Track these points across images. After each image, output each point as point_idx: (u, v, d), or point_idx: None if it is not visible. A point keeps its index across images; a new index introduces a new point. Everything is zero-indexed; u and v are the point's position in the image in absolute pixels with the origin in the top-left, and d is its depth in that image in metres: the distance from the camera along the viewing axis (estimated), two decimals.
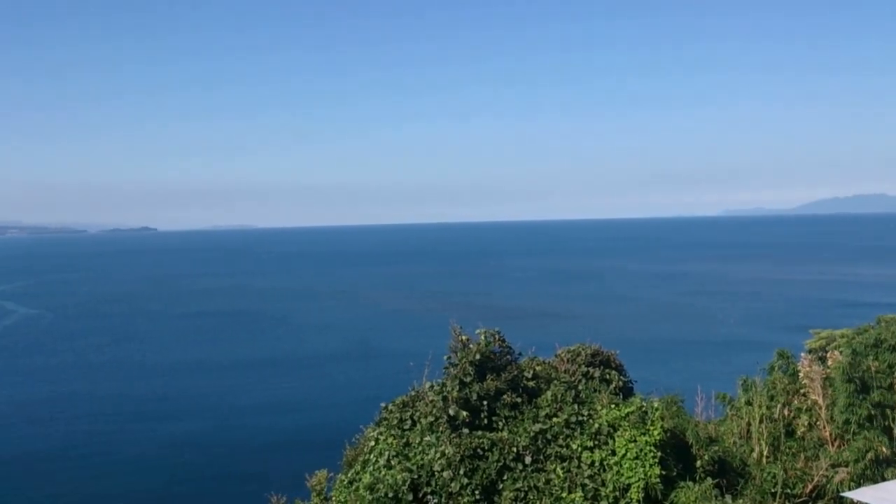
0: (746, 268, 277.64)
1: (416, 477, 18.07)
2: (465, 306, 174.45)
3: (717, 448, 20.08)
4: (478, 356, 19.80)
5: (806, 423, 22.26)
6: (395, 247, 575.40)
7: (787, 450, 21.28)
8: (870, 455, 19.85)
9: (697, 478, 18.76)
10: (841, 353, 23.64)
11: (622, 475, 17.71)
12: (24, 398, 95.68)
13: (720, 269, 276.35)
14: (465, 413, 18.90)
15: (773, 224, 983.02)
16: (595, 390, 20.56)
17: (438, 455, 18.16)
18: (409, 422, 20.22)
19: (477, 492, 17.77)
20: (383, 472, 18.82)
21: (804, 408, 22.52)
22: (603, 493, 17.70)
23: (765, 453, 21.27)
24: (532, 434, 18.51)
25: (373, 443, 20.43)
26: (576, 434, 18.63)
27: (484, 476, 17.87)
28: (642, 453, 17.72)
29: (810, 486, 19.94)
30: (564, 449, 18.42)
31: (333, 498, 20.83)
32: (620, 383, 21.62)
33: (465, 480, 17.78)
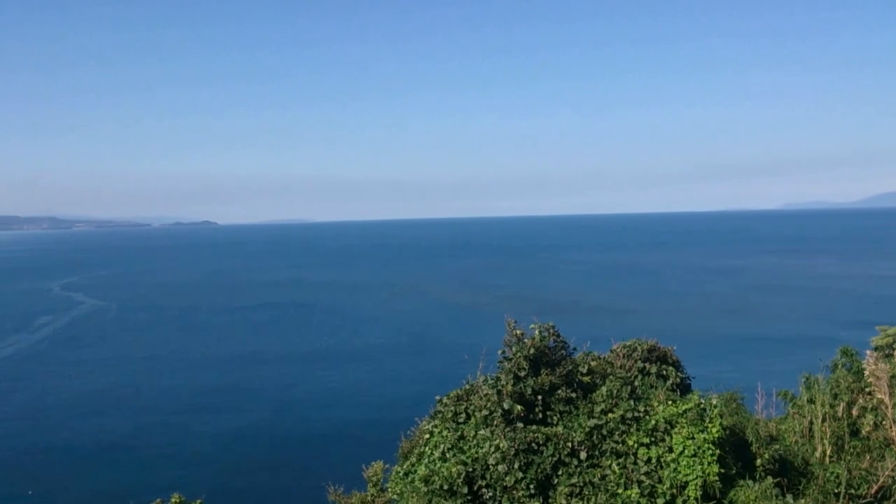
0: (808, 262, 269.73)
1: (470, 470, 18.18)
2: (518, 300, 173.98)
3: (777, 446, 19.65)
4: (532, 350, 19.77)
5: (871, 423, 21.59)
6: (447, 240, 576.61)
7: (852, 449, 20.69)
8: None
9: (757, 476, 18.42)
10: None
11: (679, 472, 17.49)
12: (91, 388, 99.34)
13: (780, 263, 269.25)
14: (519, 407, 18.91)
15: (836, 217, 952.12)
16: (652, 386, 20.31)
17: (493, 449, 18.23)
18: (463, 415, 20.34)
19: (532, 486, 17.78)
20: (438, 465, 18.99)
21: (869, 407, 21.85)
22: (660, 491, 17.51)
23: (828, 453, 20.73)
24: (587, 429, 18.42)
25: (428, 435, 20.62)
26: (632, 430, 18.46)
27: (539, 470, 17.88)
28: (700, 451, 17.47)
29: (875, 487, 19.37)
30: (620, 445, 18.28)
31: (389, 489, 21.12)
32: (678, 379, 21.30)
33: (520, 474, 17.81)
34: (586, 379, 20.35)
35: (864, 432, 21.58)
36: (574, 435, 18.36)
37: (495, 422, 18.95)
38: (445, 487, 17.88)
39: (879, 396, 21.63)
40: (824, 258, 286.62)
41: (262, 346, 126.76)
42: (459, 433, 19.74)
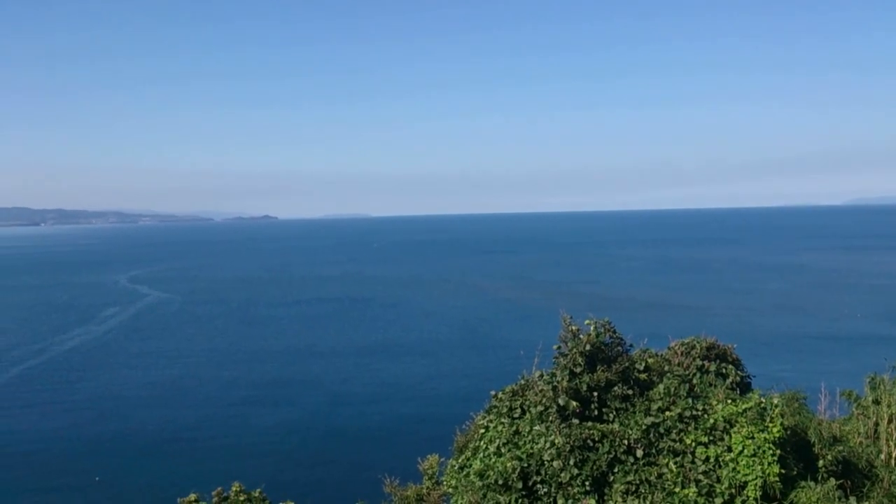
0: (874, 259, 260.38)
1: (525, 465, 18.24)
2: (572, 296, 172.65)
3: (841, 448, 19.18)
4: (588, 347, 19.70)
5: None
6: (500, 235, 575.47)
7: None
8: None
9: (819, 478, 18.03)
10: None
11: (738, 472, 17.24)
12: (154, 379, 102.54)
13: (845, 260, 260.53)
14: (574, 403, 18.89)
15: None
16: (710, 385, 20.04)
17: (548, 445, 18.25)
18: (518, 410, 20.41)
19: (587, 483, 17.76)
20: (493, 460, 19.12)
21: None
22: (718, 490, 17.29)
23: (894, 455, 20.14)
24: (644, 427, 18.29)
25: (483, 430, 20.75)
26: (690, 429, 18.26)
27: (594, 467, 17.84)
28: (760, 451, 17.18)
29: None
30: (678, 443, 18.10)
31: (444, 483, 21.33)
32: (737, 378, 20.95)
33: (575, 471, 17.80)
34: (643, 376, 20.18)
35: None
36: (630, 432, 18.26)
37: (550, 418, 18.97)
38: (500, 482, 18.00)
39: None
40: (892, 255, 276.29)
41: (318, 340, 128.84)
42: (514, 428, 19.82)
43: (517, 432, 19.65)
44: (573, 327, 20.17)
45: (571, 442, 17.92)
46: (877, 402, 21.28)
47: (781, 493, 17.19)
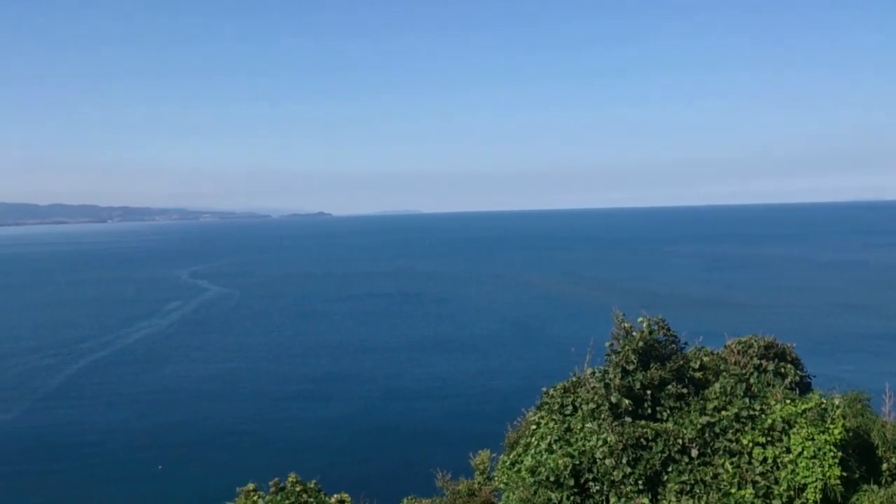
0: None
1: (577, 463, 18.14)
2: (623, 292, 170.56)
3: None
4: (641, 344, 19.45)
5: None
6: (551, 232, 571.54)
7: None
8: None
9: (883, 482, 17.48)
10: None
11: (797, 474, 16.83)
12: (213, 372, 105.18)
13: None
14: (627, 401, 18.69)
15: None
16: (768, 384, 19.57)
17: (600, 442, 18.11)
18: (570, 407, 20.28)
19: (640, 482, 17.56)
20: (545, 456, 19.05)
21: None
22: (776, 492, 16.91)
23: None
24: (699, 427, 17.99)
25: (534, 426, 20.69)
26: (746, 429, 17.89)
27: (647, 466, 17.63)
28: (821, 452, 16.74)
29: None
30: (734, 444, 17.76)
31: (496, 478, 21.37)
32: (797, 378, 20.41)
33: (628, 469, 17.62)
34: (698, 375, 19.86)
35: None
36: (685, 432, 17.99)
37: (602, 415, 18.82)
38: (552, 479, 17.93)
39: None
40: None
41: (371, 335, 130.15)
42: (566, 425, 19.71)
43: (569, 429, 19.55)
44: (626, 324, 19.95)
45: (624, 440, 17.75)
46: None
47: (842, 497, 16.73)
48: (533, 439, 20.24)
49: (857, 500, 16.75)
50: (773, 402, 18.34)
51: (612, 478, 17.71)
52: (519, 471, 19.60)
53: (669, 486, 17.52)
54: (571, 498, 17.82)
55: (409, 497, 25.68)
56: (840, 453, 16.76)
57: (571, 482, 17.86)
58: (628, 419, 18.41)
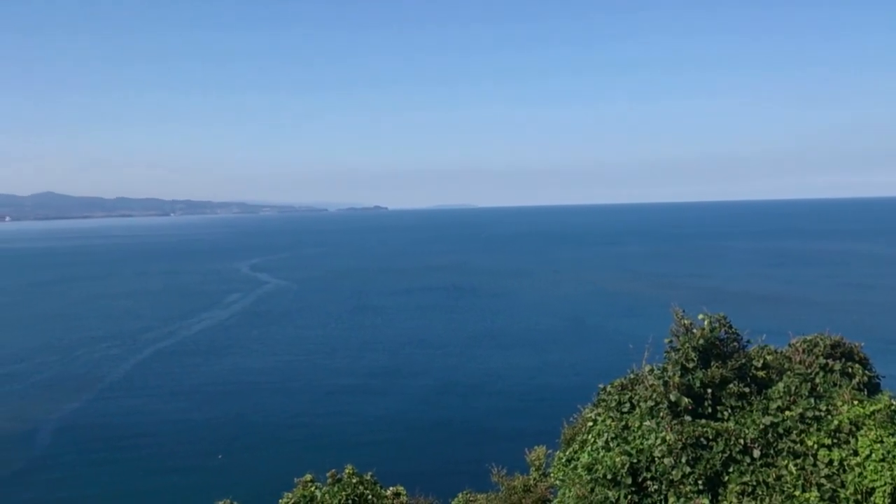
0: None
1: (635, 461, 17.91)
2: (682, 288, 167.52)
3: None
4: (701, 341, 19.07)
5: None
6: (607, 227, 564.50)
7: None
8: None
9: None
10: None
11: (865, 478, 16.29)
12: (272, 364, 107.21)
13: None
14: (686, 400, 18.35)
15: None
16: (835, 384, 19.00)
17: (659, 441, 17.84)
18: (627, 405, 20.02)
19: (700, 482, 17.24)
20: (602, 454, 18.86)
21: None
22: (842, 496, 16.41)
23: None
24: (762, 427, 17.56)
25: (591, 423, 20.52)
26: (812, 430, 17.39)
27: (708, 466, 17.30)
28: (890, 455, 16.17)
29: None
30: (798, 445, 17.28)
31: (552, 474, 21.28)
32: (865, 378, 19.74)
33: (688, 469, 17.32)
34: (761, 374, 19.38)
35: None
36: (747, 432, 17.59)
37: (661, 413, 18.52)
38: (609, 477, 17.75)
39: None
40: None
41: (426, 329, 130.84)
42: (624, 423, 19.48)
43: (626, 427, 19.31)
44: (685, 321, 19.59)
45: (683, 439, 17.45)
46: None
47: None
48: (590, 436, 20.07)
49: None
50: (839, 403, 17.80)
51: (670, 477, 17.43)
52: (575, 468, 19.46)
53: (731, 487, 17.16)
54: (629, 496, 17.61)
55: (465, 492, 25.78)
56: None
57: (629, 480, 17.64)
58: (688, 418, 18.08)
